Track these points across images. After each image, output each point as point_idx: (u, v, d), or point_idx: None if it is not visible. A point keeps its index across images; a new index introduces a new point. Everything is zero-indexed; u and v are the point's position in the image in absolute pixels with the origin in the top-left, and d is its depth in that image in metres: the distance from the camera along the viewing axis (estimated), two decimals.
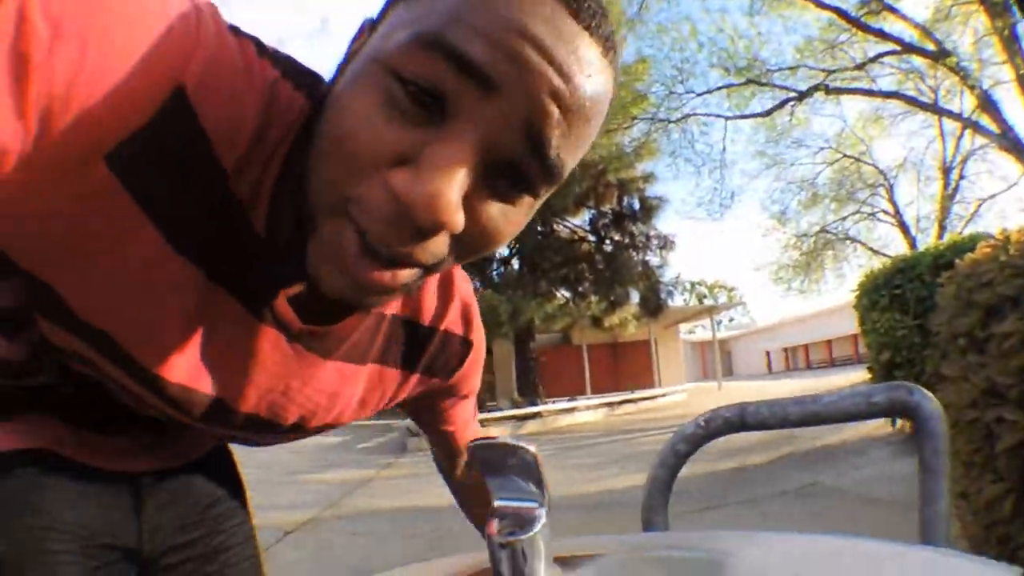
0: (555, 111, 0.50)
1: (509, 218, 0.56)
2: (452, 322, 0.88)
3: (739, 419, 1.13)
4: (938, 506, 1.04)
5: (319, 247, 0.53)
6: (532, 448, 0.50)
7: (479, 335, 0.94)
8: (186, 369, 0.67)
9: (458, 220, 0.50)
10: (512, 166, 0.52)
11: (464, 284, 0.91)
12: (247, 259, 0.63)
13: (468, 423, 1.09)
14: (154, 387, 0.68)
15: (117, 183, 0.52)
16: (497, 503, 0.53)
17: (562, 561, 0.54)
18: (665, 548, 0.61)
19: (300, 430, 0.85)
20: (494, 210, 0.54)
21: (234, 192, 0.58)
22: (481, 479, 0.99)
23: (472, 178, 0.51)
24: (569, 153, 0.54)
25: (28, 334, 0.69)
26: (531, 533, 0.50)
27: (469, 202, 0.51)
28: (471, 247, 0.56)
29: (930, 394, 1.07)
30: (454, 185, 0.48)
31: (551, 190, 0.58)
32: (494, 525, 0.52)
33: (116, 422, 0.89)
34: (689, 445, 1.15)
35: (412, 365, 0.88)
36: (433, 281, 0.85)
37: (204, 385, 0.70)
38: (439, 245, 0.53)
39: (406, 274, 0.54)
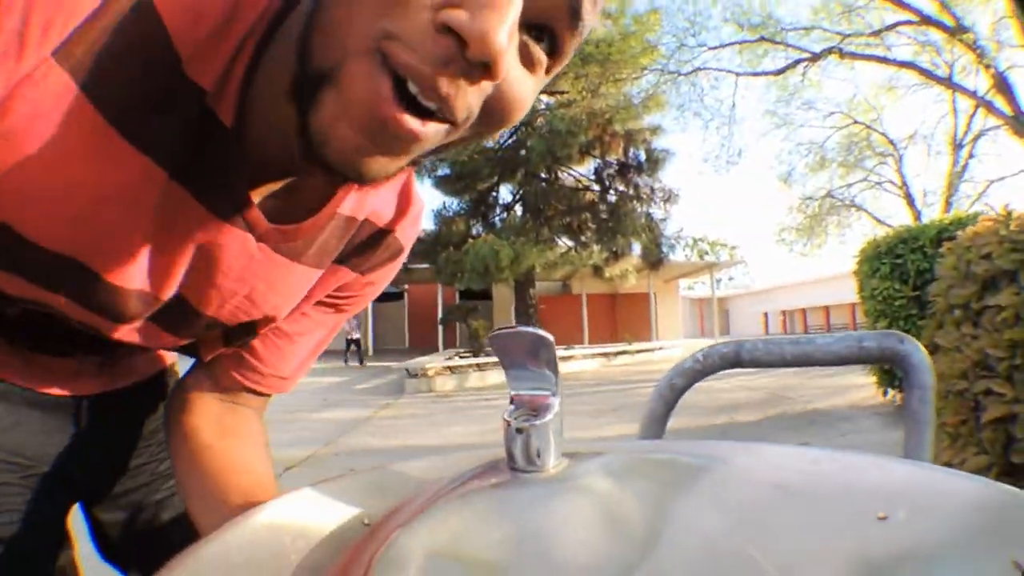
0: None
1: (528, 87, 0.56)
2: (403, 228, 0.85)
3: (735, 356, 1.16)
4: (922, 455, 1.08)
5: (339, 98, 0.49)
6: (549, 336, 0.53)
7: (407, 250, 0.90)
8: (146, 275, 0.65)
9: (505, 64, 0.48)
10: (546, 29, 0.53)
11: (419, 197, 0.88)
12: (211, 151, 0.60)
13: (304, 341, 0.91)
14: (111, 305, 0.65)
15: (63, 74, 0.50)
16: (513, 391, 0.57)
17: (567, 455, 0.58)
18: (664, 452, 0.65)
19: (251, 333, 0.82)
20: (519, 74, 0.54)
21: (192, 79, 0.55)
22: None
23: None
24: (587, 29, 0.55)
25: None
26: (544, 420, 0.54)
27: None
28: (493, 114, 0.55)
29: (920, 344, 1.10)
30: (507, 26, 0.47)
31: (561, 66, 0.58)
32: (511, 411, 0.56)
33: (63, 343, 0.84)
34: (686, 379, 1.18)
35: (360, 266, 0.85)
36: (393, 184, 0.82)
37: (165, 290, 0.67)
38: (476, 97, 0.52)
39: (434, 129, 0.52)
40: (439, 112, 0.50)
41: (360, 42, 0.47)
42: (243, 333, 0.81)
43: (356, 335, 20.71)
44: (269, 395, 0.92)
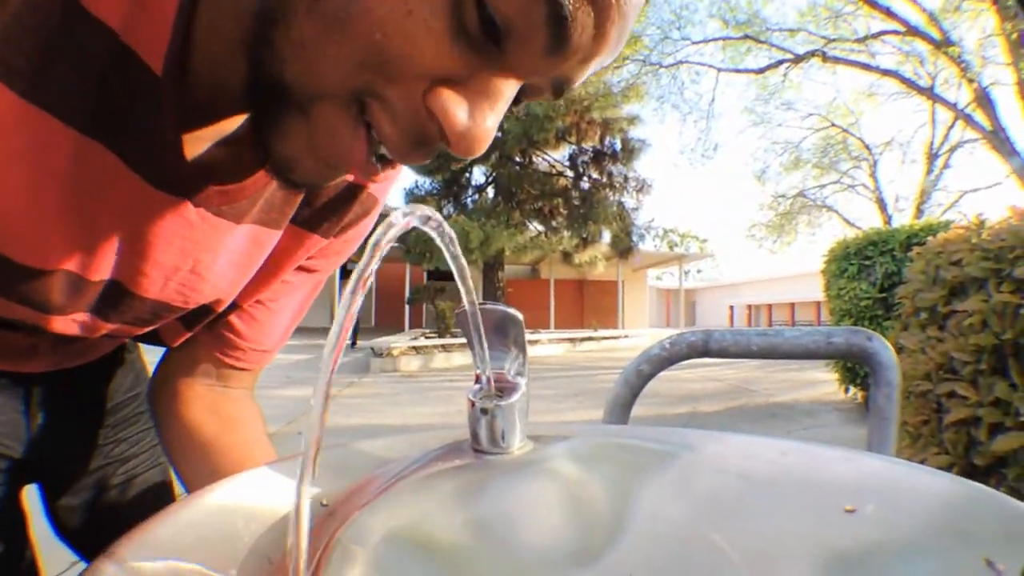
0: (592, 68, 0.48)
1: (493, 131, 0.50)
2: (378, 184, 0.77)
3: (703, 344, 1.16)
4: (886, 451, 1.09)
5: (309, 135, 0.46)
6: (518, 313, 0.52)
7: (383, 201, 0.81)
8: (68, 255, 0.57)
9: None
10: (525, 92, 0.49)
11: None
12: (138, 106, 0.50)
13: (281, 307, 0.85)
14: (33, 293, 0.58)
15: None
16: (479, 370, 0.56)
17: (533, 438, 0.57)
18: (631, 437, 0.64)
19: (208, 312, 0.75)
20: (492, 123, 0.48)
21: (93, 15, 0.45)
22: None
23: None
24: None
25: None
26: (510, 401, 0.53)
27: None
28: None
29: (887, 343, 1.11)
30: (498, 117, 0.46)
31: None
32: (476, 390, 0.55)
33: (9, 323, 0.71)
34: (652, 366, 1.18)
35: (332, 231, 0.77)
36: None
37: (93, 271, 0.60)
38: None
39: (389, 171, 0.52)
40: (398, 164, 0.51)
41: (339, 86, 0.44)
42: (201, 315, 0.76)
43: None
44: (255, 370, 0.88)
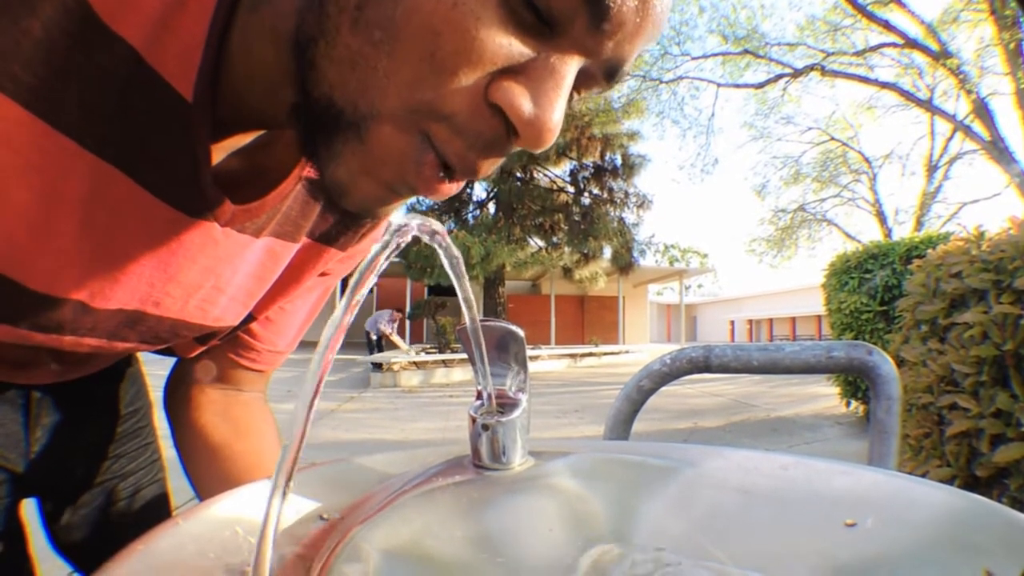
0: (639, 45, 0.46)
1: None
2: None
3: (704, 360, 1.16)
4: (887, 465, 1.09)
5: (365, 156, 0.44)
6: (519, 330, 0.52)
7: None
8: (85, 282, 0.55)
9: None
10: (580, 82, 0.48)
11: None
12: (163, 132, 0.48)
13: (295, 309, 0.86)
14: (44, 320, 0.57)
15: None
16: (480, 386, 0.56)
17: (534, 454, 0.57)
18: (631, 453, 0.64)
19: (222, 326, 0.74)
20: (559, 107, 0.46)
21: (112, 28, 0.42)
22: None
23: None
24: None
25: None
26: (511, 417, 0.53)
27: None
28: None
29: (888, 356, 1.11)
30: (564, 106, 0.44)
31: None
32: (477, 406, 0.55)
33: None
34: (653, 382, 1.18)
35: (348, 244, 0.77)
36: None
37: (111, 300, 0.58)
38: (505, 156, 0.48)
39: (457, 186, 0.49)
40: (470, 176, 0.48)
41: (395, 106, 0.42)
42: (217, 333, 0.76)
43: (388, 329, 17.45)
44: (267, 372, 0.90)
